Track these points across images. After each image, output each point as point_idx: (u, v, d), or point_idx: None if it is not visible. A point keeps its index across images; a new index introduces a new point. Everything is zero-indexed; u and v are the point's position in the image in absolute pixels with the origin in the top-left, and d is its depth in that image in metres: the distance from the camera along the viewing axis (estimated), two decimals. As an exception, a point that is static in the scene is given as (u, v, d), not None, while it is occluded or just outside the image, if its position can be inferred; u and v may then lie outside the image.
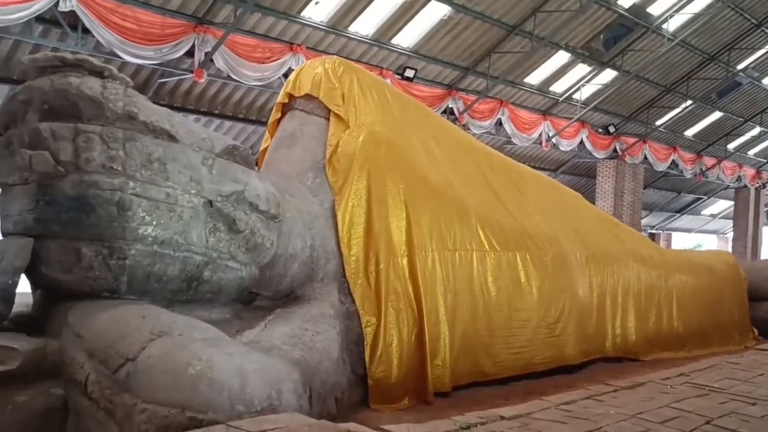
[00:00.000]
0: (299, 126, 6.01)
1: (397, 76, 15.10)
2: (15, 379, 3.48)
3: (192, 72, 12.11)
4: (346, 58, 14.11)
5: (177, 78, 12.88)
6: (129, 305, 3.67)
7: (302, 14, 12.92)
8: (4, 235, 4.17)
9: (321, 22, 13.29)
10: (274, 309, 4.84)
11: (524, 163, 22.57)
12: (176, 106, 14.26)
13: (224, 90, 14.43)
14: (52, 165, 3.77)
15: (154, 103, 13.13)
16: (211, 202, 4.21)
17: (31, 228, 3.91)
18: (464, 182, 6.71)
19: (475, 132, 17.99)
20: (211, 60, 11.91)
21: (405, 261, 5.59)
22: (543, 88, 19.34)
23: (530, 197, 7.90)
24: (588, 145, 22.03)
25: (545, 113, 20.21)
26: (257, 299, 5.07)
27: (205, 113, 14.67)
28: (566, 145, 21.34)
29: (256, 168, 5.46)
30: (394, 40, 14.71)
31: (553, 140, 20.68)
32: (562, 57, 18.18)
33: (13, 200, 4.06)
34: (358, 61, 14.42)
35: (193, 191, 4.12)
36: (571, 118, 20.44)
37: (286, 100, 6.24)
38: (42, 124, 3.87)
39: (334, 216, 5.51)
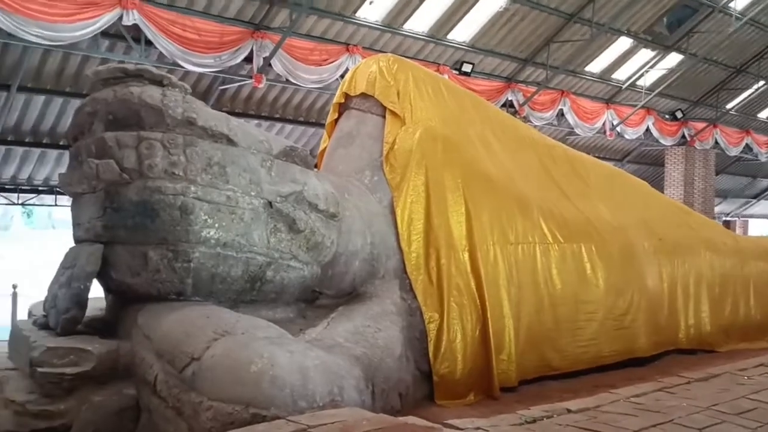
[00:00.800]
0: (356, 125, 6.04)
1: (454, 72, 15.00)
2: (90, 380, 3.62)
3: (251, 78, 12.34)
4: (402, 56, 14.18)
5: (237, 84, 13.14)
6: (194, 306, 3.77)
7: (357, 15, 13.00)
8: (76, 242, 4.33)
9: (376, 21, 13.33)
10: (337, 307, 4.88)
11: (588, 153, 22.06)
12: (237, 112, 14.53)
13: (284, 94, 14.63)
14: (117, 173, 3.90)
15: (217, 110, 13.40)
16: (270, 203, 4.27)
17: (100, 234, 4.05)
18: (525, 175, 6.61)
19: (536, 124, 17.69)
20: (269, 65, 12.11)
21: (466, 256, 5.54)
22: (605, 75, 18.86)
23: (594, 188, 7.73)
24: (654, 133, 21.37)
25: (608, 102, 19.71)
26: (320, 298, 5.14)
27: (266, 118, 14.91)
28: (631, 134, 20.76)
29: (315, 168, 5.51)
30: (450, 36, 14.61)
31: (618, 129, 20.14)
32: (623, 43, 17.68)
33: (84, 208, 4.22)
34: (414, 58, 14.38)
35: (252, 193, 4.20)
36: (635, 106, 19.87)
37: (343, 100, 6.28)
38: (107, 133, 4.01)
39: (393, 213, 5.51)
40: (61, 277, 4.07)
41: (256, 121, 14.88)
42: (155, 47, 11.07)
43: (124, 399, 3.57)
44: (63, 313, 3.90)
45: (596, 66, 18.30)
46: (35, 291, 6.21)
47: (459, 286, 5.44)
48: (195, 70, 11.59)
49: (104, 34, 11.06)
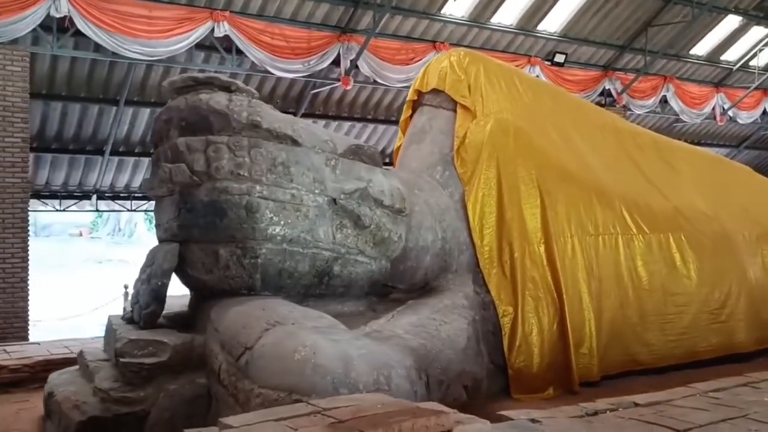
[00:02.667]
0: (428, 121, 6.10)
1: (546, 63, 14.68)
2: (166, 370, 3.90)
3: (339, 81, 12.63)
4: (491, 50, 14.05)
5: (329, 87, 13.46)
6: (256, 300, 3.96)
7: (442, 11, 13.00)
8: (159, 242, 4.65)
9: (462, 17, 13.26)
10: (408, 301, 4.97)
11: (698, 140, 21.16)
12: (331, 114, 14.91)
13: (374, 95, 14.84)
14: (188, 175, 4.16)
15: (310, 114, 13.82)
16: (335, 200, 4.41)
17: (176, 234, 4.33)
18: (607, 165, 6.44)
19: (638, 112, 17.04)
20: (357, 67, 12.35)
21: (542, 248, 5.48)
22: (713, 58, 17.84)
23: (686, 175, 7.41)
24: (773, 115, 20.03)
25: (718, 85, 18.64)
26: (393, 292, 5.24)
27: (358, 119, 15.16)
28: (746, 117, 19.52)
29: (389, 166, 5.61)
30: (540, 27, 14.29)
31: (730, 113, 19.01)
32: (731, 22, 16.65)
33: (163, 210, 4.53)
34: (503, 52, 14.25)
35: (317, 191, 4.35)
36: (749, 87, 18.69)
37: (416, 97, 6.36)
38: (179, 139, 4.28)
39: (465, 207, 5.52)
40: (143, 275, 4.38)
41: (349, 123, 15.20)
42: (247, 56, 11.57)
43: (197, 387, 3.81)
44: (144, 308, 4.21)
45: (702, 48, 17.35)
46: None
47: (534, 279, 5.38)
48: (284, 75, 11.99)
49: (200, 46, 11.65)
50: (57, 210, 14.88)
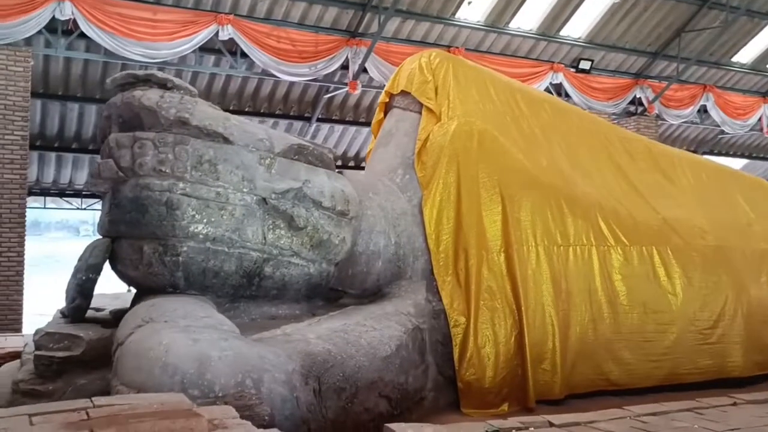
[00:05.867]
0: (395, 123, 6.14)
1: (571, 69, 14.52)
2: (80, 364, 4.01)
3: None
4: (511, 56, 13.99)
5: (343, 92, 13.59)
6: (163, 297, 4.04)
7: (456, 16, 13.01)
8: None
9: (478, 22, 13.24)
10: (350, 306, 4.99)
11: (743, 153, 20.52)
12: (348, 120, 15.08)
13: (393, 101, 14.89)
14: (114, 171, 4.28)
15: (326, 118, 14.02)
16: (265, 200, 4.47)
17: (108, 230, 4.46)
18: (586, 173, 6.33)
19: (673, 122, 16.69)
20: (366, 71, 12.45)
21: (502, 257, 5.41)
22: (758, 66, 17.37)
23: (684, 186, 7.24)
24: (829, 127, 19.30)
25: (765, 95, 18.13)
26: (344, 297, 5.27)
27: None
28: (796, 130, 18.94)
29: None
30: (563, 32, 14.15)
31: (778, 125, 18.47)
32: (776, 28, 16.23)
33: (102, 206, 4.67)
34: (525, 58, 14.17)
35: (245, 189, 4.41)
36: (800, 98, 18.12)
37: (387, 99, 6.40)
38: (111, 135, 4.42)
39: (423, 212, 5.52)
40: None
41: (367, 129, 15.30)
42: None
43: (106, 383, 3.90)
44: (70, 303, 4.35)
45: (746, 55, 16.91)
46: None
47: (491, 289, 5.32)
48: (289, 79, 12.19)
49: (209, 50, 11.96)
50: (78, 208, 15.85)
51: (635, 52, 15.24)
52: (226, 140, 4.45)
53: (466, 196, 5.48)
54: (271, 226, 4.53)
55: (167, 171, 4.22)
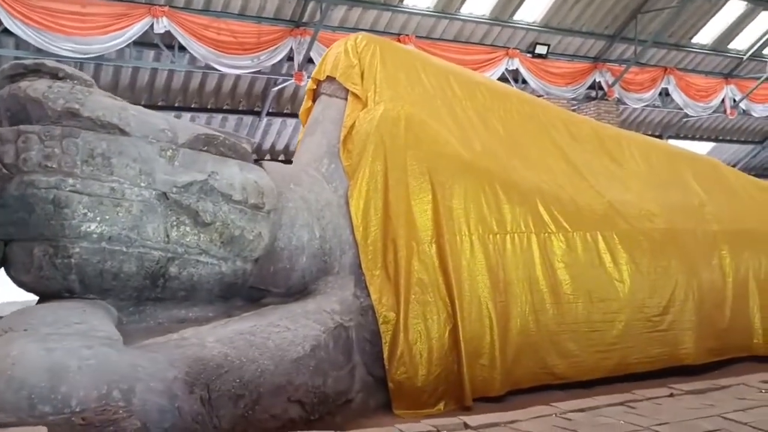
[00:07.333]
0: (322, 111, 5.95)
1: (528, 55, 14.43)
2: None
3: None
4: (465, 42, 13.86)
5: (291, 84, 13.33)
6: (36, 305, 3.80)
7: (405, 2, 12.83)
8: None
9: (428, 8, 13.09)
10: (270, 305, 4.78)
11: (709, 137, 20.63)
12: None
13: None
14: (-1, 168, 4.03)
15: (276, 111, 13.83)
16: (165, 194, 4.24)
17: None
18: (525, 156, 6.19)
19: (634, 106, 16.69)
20: (311, 61, 12.23)
21: (433, 248, 5.23)
22: (719, 47, 17.45)
23: (633, 169, 7.13)
24: (793, 107, 19.48)
25: (728, 76, 18.22)
26: (267, 296, 5.05)
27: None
28: (761, 110, 19.04)
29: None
30: (517, 16, 14.06)
31: (742, 106, 18.57)
32: (736, 7, 16.24)
33: (-5, 207, 4.40)
34: (479, 44, 14.06)
35: (143, 184, 4.18)
36: (760, 77, 18.24)
37: (315, 86, 6.20)
38: (-6, 129, 4.16)
39: (349, 203, 5.33)
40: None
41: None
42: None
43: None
44: (-46, 312, 4.09)
45: (706, 36, 16.98)
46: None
47: (423, 282, 5.14)
48: (230, 71, 11.94)
49: (146, 44, 11.66)
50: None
51: (592, 35, 15.20)
52: (122, 131, 4.22)
53: (394, 184, 5.30)
54: (174, 223, 4.30)
55: (54, 166, 3.97)
